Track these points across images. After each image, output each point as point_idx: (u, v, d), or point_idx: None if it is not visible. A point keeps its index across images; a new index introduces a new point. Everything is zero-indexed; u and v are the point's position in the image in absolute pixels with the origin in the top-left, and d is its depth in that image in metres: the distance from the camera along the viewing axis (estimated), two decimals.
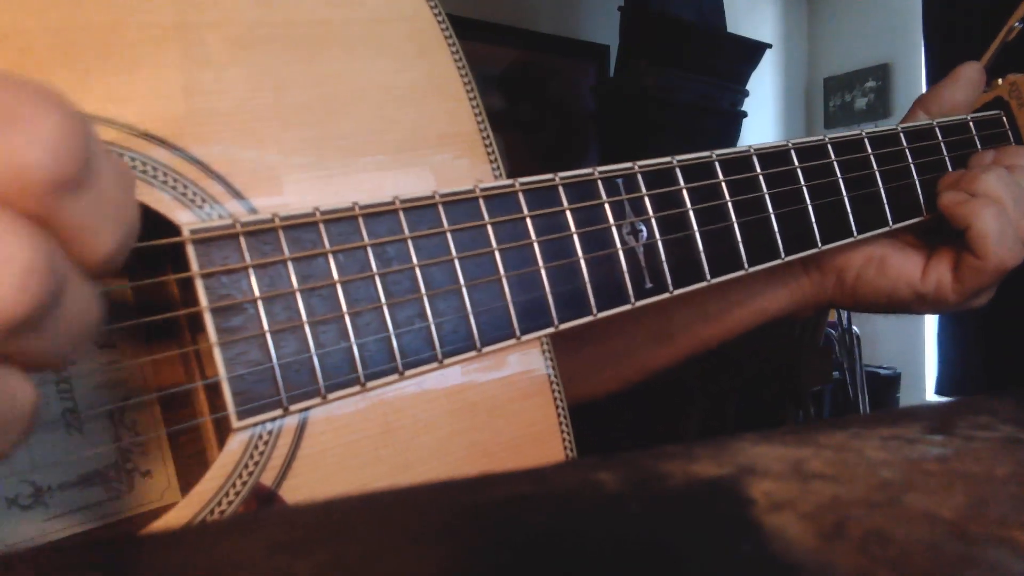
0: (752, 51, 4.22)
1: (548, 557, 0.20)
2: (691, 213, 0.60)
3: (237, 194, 0.45)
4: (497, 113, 3.85)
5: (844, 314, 4.21)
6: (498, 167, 0.54)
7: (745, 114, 4.18)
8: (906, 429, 0.30)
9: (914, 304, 0.76)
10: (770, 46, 4.33)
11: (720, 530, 0.22)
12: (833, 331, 4.13)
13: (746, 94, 4.20)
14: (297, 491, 0.45)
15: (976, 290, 0.72)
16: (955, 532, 0.21)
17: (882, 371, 4.51)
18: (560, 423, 0.54)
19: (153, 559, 0.22)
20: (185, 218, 0.43)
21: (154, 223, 0.42)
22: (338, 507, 0.25)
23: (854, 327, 4.25)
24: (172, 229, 0.43)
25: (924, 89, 4.32)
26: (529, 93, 4.08)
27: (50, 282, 0.29)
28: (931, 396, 4.21)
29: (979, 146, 0.77)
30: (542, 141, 4.03)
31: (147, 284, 0.46)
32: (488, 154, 0.54)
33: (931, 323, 4.22)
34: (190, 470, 0.49)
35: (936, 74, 3.55)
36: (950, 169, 0.76)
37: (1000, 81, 0.78)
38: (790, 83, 5.20)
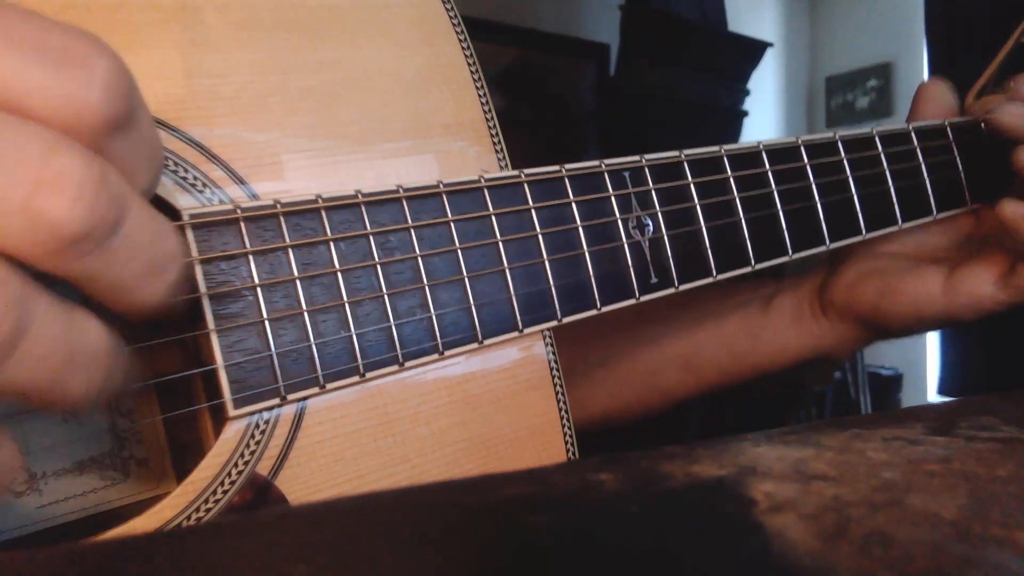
0: (753, 50, 4.22)
1: (550, 558, 0.20)
2: (698, 208, 0.59)
3: (239, 179, 0.44)
4: (497, 112, 3.82)
5: None
6: (504, 157, 0.53)
7: (746, 113, 4.18)
8: (908, 430, 0.30)
9: (942, 318, 0.71)
10: (771, 45, 4.33)
11: (721, 531, 0.22)
12: None
13: (747, 93, 4.19)
14: (294, 481, 0.44)
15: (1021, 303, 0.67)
16: (957, 533, 0.21)
17: (884, 371, 4.50)
18: (561, 417, 0.53)
19: (153, 560, 0.22)
20: (185, 202, 0.42)
21: (156, 207, 0.42)
22: (338, 508, 0.25)
23: None
24: (172, 213, 0.42)
25: None
26: (529, 92, 4.08)
27: (106, 196, 0.30)
28: (933, 397, 4.19)
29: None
30: (542, 140, 4.02)
31: None
32: (494, 143, 0.53)
33: None
34: (186, 458, 0.48)
35: (938, 73, 3.54)
36: (960, 169, 0.74)
37: (1012, 84, 0.77)
38: (792, 82, 5.19)
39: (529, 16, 4.02)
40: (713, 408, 3.36)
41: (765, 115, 4.89)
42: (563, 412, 0.54)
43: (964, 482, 0.25)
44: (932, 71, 4.15)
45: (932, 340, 4.25)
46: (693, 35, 3.90)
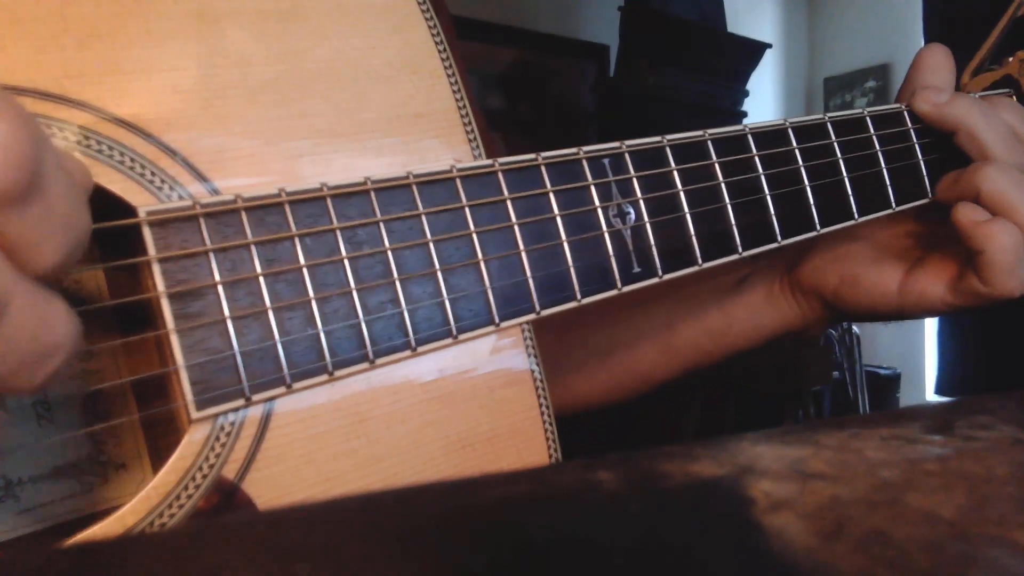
0: (752, 51, 4.24)
1: (548, 558, 0.20)
2: (682, 195, 0.58)
3: (200, 175, 0.43)
4: (497, 113, 3.87)
5: None
6: (478, 147, 0.52)
7: (745, 114, 4.19)
8: (906, 429, 0.31)
9: (896, 313, 0.74)
10: (770, 46, 4.35)
11: (720, 530, 0.22)
12: (833, 331, 4.14)
13: (746, 94, 4.21)
14: (261, 484, 0.43)
15: (973, 305, 0.69)
16: (955, 532, 0.21)
17: (882, 371, 4.52)
18: (542, 414, 0.52)
19: (151, 560, 0.22)
20: (144, 200, 0.41)
21: (114, 206, 0.41)
22: (338, 508, 0.25)
23: (854, 327, 4.25)
24: (128, 211, 0.41)
25: None
26: (529, 93, 4.10)
27: None
28: (931, 396, 4.21)
29: None
30: (542, 141, 4.03)
31: (101, 268, 0.45)
32: (467, 133, 0.52)
33: (931, 323, 4.22)
34: (166, 462, 0.47)
35: None
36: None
37: (1010, 59, 0.76)
38: (790, 83, 5.21)
39: (529, 17, 4.05)
40: (712, 407, 3.38)
41: (764, 116, 4.91)
42: (544, 408, 0.52)
43: (962, 481, 0.25)
44: None
45: (930, 340, 4.27)
46: (692, 36, 3.93)
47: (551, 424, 0.52)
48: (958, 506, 0.23)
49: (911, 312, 0.73)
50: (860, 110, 0.69)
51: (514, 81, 4.04)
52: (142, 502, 0.40)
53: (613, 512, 0.23)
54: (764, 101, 4.91)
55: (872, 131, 0.69)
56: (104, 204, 0.40)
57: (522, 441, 0.51)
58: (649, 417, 3.09)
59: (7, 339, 0.30)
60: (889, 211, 0.69)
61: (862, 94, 4.92)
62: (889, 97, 4.72)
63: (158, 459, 0.47)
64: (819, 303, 0.77)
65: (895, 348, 4.62)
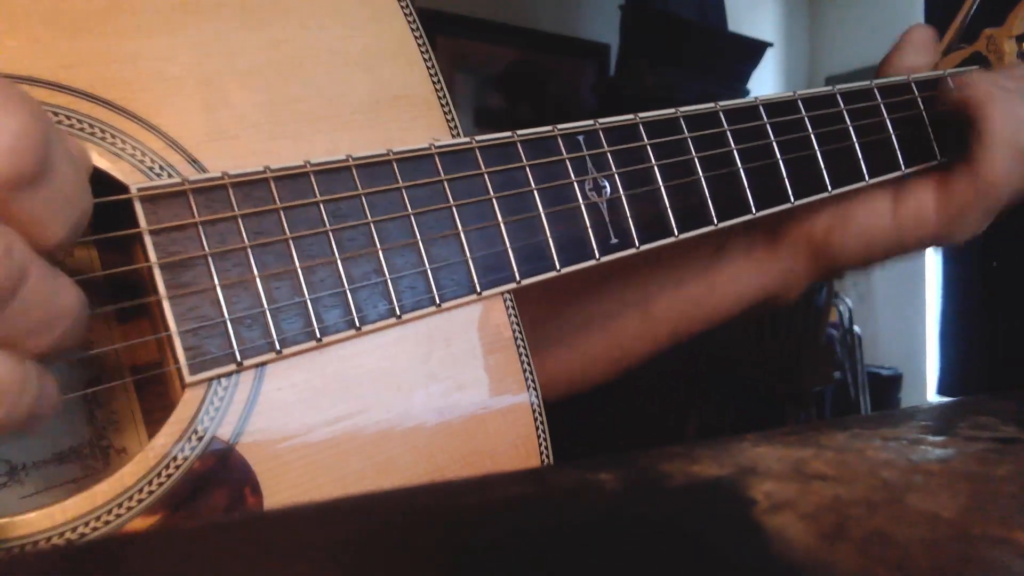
0: (753, 50, 4.21)
1: (548, 558, 0.21)
2: (656, 168, 0.59)
3: (190, 158, 0.45)
4: (497, 113, 3.85)
5: (846, 314, 4.19)
6: (456, 128, 0.54)
7: None
8: (907, 430, 0.31)
9: (893, 245, 0.72)
10: (771, 45, 4.32)
11: (721, 531, 0.23)
12: (834, 331, 4.11)
13: (747, 93, 4.19)
14: (254, 447, 0.45)
15: (963, 210, 0.68)
16: (956, 532, 0.22)
17: (883, 371, 4.47)
18: (524, 370, 0.54)
19: (151, 559, 0.22)
20: (137, 181, 0.43)
21: (107, 187, 0.43)
22: (337, 508, 0.26)
23: (855, 327, 4.23)
24: (121, 188, 0.43)
25: None
26: (529, 92, 4.08)
27: (4, 270, 0.31)
28: (933, 397, 4.18)
29: None
30: None
31: (93, 240, 0.46)
32: (445, 115, 0.54)
33: (933, 323, 4.20)
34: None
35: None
36: (928, 125, 0.74)
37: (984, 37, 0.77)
38: (791, 82, 5.17)
39: (529, 16, 4.02)
40: (712, 407, 3.36)
41: None
42: (526, 365, 0.54)
43: (963, 482, 0.25)
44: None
45: (932, 340, 4.24)
46: (693, 35, 3.90)
47: (534, 383, 0.54)
48: (959, 506, 0.23)
49: (909, 238, 0.72)
50: (831, 88, 0.70)
51: (514, 81, 4.03)
52: (139, 463, 0.42)
53: (613, 512, 0.23)
54: None
55: (843, 105, 0.70)
56: (98, 185, 0.42)
57: (504, 389, 0.53)
58: (649, 417, 3.08)
59: (25, 305, 0.33)
60: (863, 183, 0.70)
61: None
62: None
63: None
64: (806, 253, 0.76)
65: (897, 348, 4.58)
